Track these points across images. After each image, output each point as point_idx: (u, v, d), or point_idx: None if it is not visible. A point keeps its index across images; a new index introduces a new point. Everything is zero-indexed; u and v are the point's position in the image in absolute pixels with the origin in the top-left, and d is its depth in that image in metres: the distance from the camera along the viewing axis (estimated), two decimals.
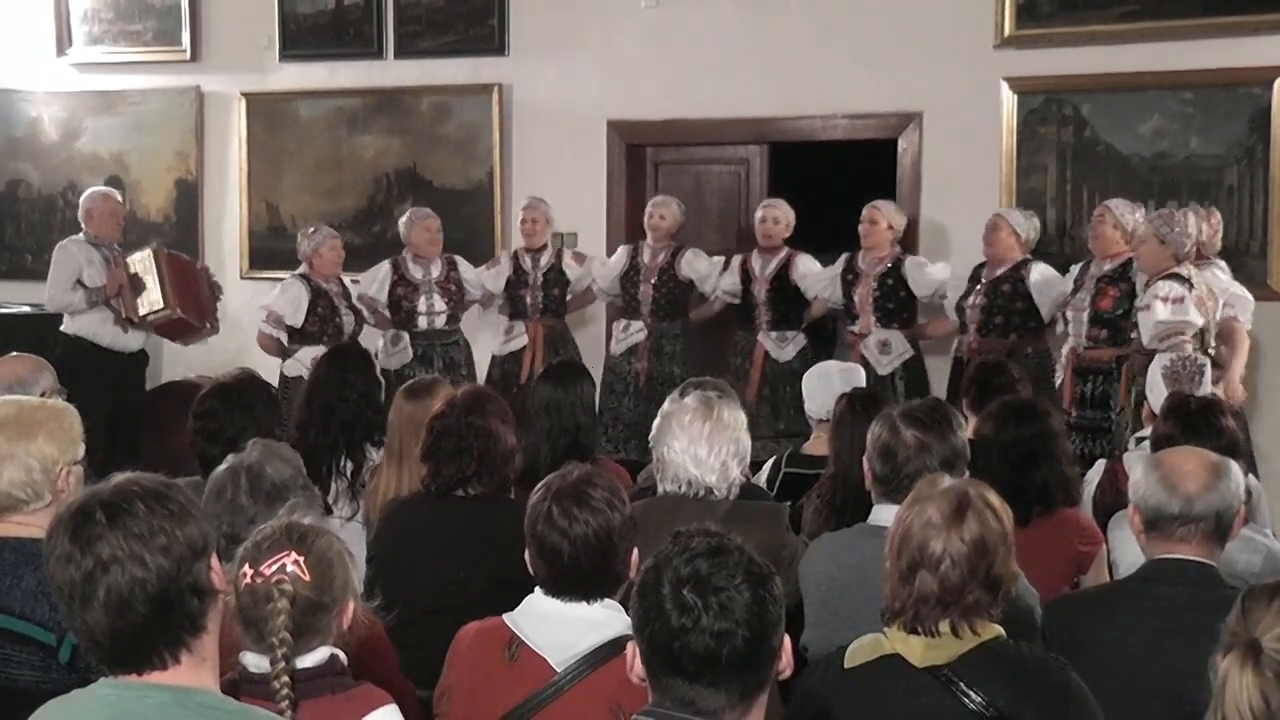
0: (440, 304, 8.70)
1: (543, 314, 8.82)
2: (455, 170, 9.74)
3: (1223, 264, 7.29)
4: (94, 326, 8.60)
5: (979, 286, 7.83)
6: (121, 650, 2.39)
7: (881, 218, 8.18)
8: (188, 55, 10.38)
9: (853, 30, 8.67)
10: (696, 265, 8.69)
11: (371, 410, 5.54)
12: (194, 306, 8.73)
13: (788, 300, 8.50)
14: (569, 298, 8.96)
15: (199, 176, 10.49)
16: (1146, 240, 6.90)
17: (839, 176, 9.78)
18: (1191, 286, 6.67)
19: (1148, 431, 5.39)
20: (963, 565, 2.98)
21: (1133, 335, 6.96)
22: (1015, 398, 5.28)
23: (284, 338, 8.41)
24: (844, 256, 8.37)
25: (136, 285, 8.52)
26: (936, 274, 8.14)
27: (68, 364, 7.48)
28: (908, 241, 8.63)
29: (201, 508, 2.55)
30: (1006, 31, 8.25)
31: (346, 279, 8.75)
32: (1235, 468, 3.62)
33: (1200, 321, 6.65)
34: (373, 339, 8.64)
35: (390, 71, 9.85)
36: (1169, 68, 7.95)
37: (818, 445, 5.50)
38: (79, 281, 8.58)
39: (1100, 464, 5.46)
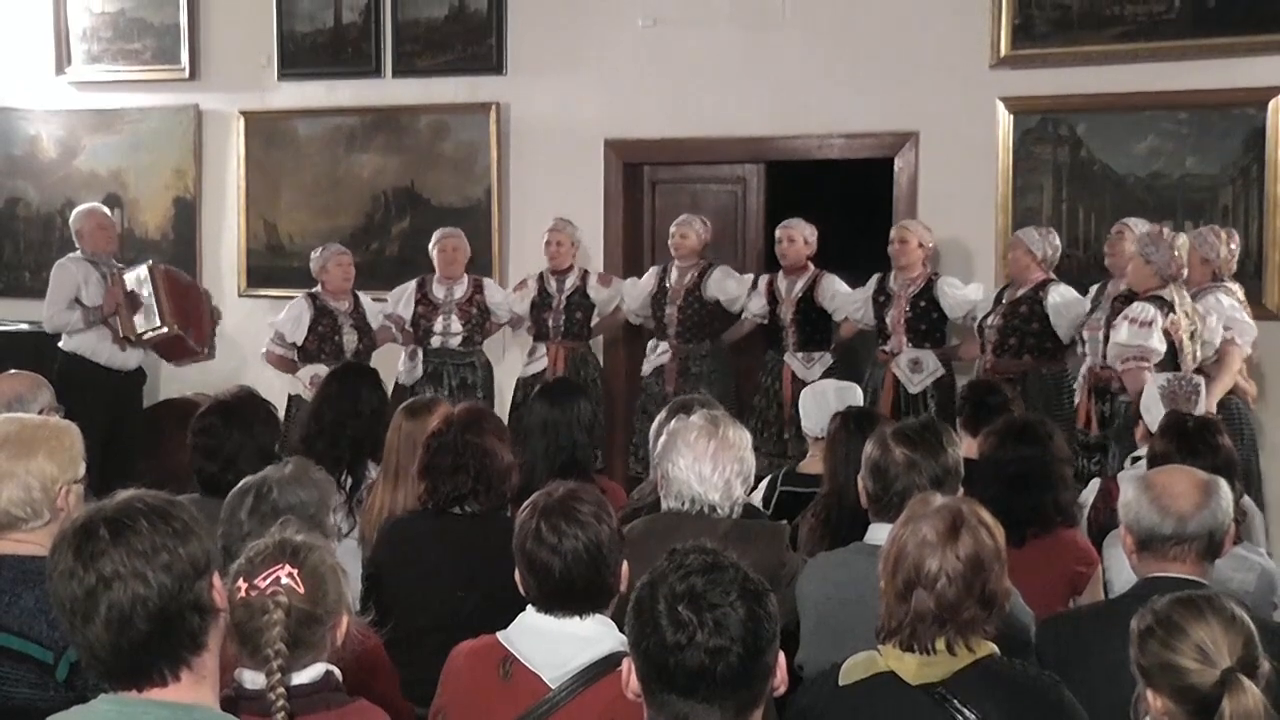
0: (456, 324, 8.72)
1: (564, 336, 8.81)
2: (453, 188, 9.75)
3: (1236, 286, 7.26)
4: (92, 344, 8.61)
5: (999, 307, 7.84)
6: (122, 666, 2.40)
7: (911, 236, 8.14)
8: (186, 74, 10.40)
9: (849, 50, 8.69)
10: (726, 286, 8.67)
11: (382, 427, 5.56)
12: (193, 324, 8.74)
13: (814, 321, 8.48)
14: (594, 320, 8.96)
15: (197, 195, 10.51)
16: (1134, 259, 6.94)
17: (835, 196, 9.81)
18: (1171, 310, 6.68)
19: (1143, 451, 5.41)
20: (958, 582, 3.00)
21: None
22: (1021, 417, 5.28)
23: (293, 355, 8.48)
24: (875, 277, 8.34)
25: (133, 303, 8.52)
26: (970, 294, 8.08)
27: (66, 381, 7.50)
28: None
29: (205, 525, 2.56)
30: (1002, 51, 8.27)
31: (367, 298, 8.79)
32: (1225, 486, 3.64)
33: (1161, 349, 6.59)
34: (386, 357, 8.69)
35: (388, 90, 9.87)
36: (1164, 88, 7.96)
37: (813, 463, 5.51)
38: (77, 300, 8.59)
39: (1095, 483, 5.47)
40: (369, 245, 9.30)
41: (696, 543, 2.56)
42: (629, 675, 2.52)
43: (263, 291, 10.09)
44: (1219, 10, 7.81)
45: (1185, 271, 6.86)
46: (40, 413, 4.66)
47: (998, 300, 7.91)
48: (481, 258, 9.12)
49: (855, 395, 5.92)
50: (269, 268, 10.21)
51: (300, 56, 10.06)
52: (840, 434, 4.84)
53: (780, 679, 2.51)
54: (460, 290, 8.78)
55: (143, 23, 10.52)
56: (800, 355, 8.48)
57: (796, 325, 8.48)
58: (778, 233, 8.56)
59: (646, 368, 8.80)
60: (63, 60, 10.79)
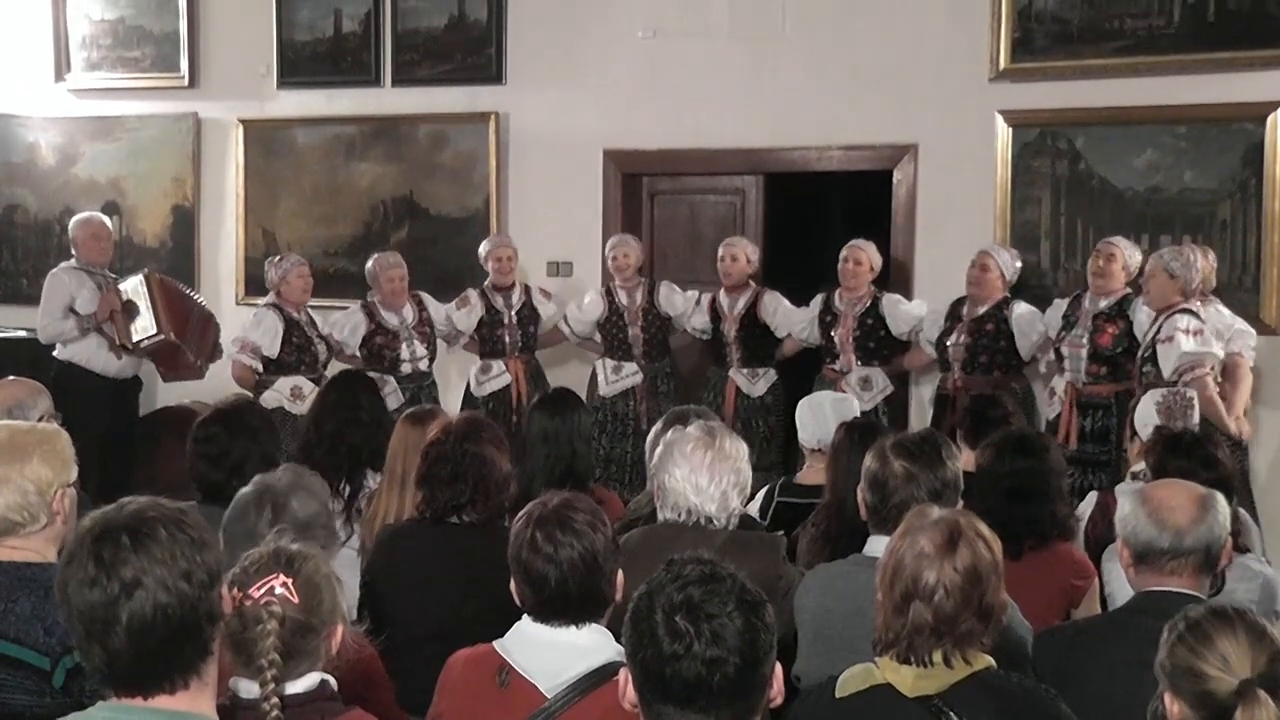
0: (421, 349, 8.65)
1: (521, 350, 8.84)
2: (451, 198, 9.76)
3: (1218, 302, 7.31)
4: (87, 352, 8.59)
5: (961, 324, 7.89)
6: (138, 674, 2.40)
7: (865, 258, 8.22)
8: (186, 82, 10.41)
9: (848, 62, 8.70)
10: (674, 301, 8.76)
11: (381, 436, 5.56)
12: (191, 336, 8.70)
13: (757, 337, 8.55)
14: (539, 334, 8.97)
15: (196, 202, 10.52)
16: (1156, 275, 6.97)
17: (834, 208, 9.82)
18: (1203, 321, 6.76)
19: (1139, 466, 5.41)
20: (956, 595, 3.00)
21: (1144, 370, 6.95)
22: (1018, 430, 5.28)
23: (259, 367, 8.30)
24: (820, 297, 8.43)
25: (129, 311, 8.51)
26: (913, 310, 8.21)
27: (61, 389, 7.48)
28: (901, 275, 8.66)
29: (214, 533, 2.56)
30: (1001, 65, 8.28)
31: (311, 306, 8.66)
32: (1222, 500, 3.65)
33: (1222, 354, 6.73)
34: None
35: (388, 99, 9.88)
36: (1163, 102, 7.97)
37: (810, 475, 5.51)
38: (71, 309, 8.57)
39: (1092, 496, 5.47)
40: (367, 254, 9.26)
41: (694, 553, 2.56)
42: (626, 686, 2.52)
43: (261, 300, 10.05)
44: (1218, 25, 7.82)
45: (1200, 287, 7.00)
46: (40, 419, 4.67)
47: (952, 316, 7.97)
48: (479, 268, 9.10)
49: (853, 408, 5.92)
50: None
51: (300, 65, 10.08)
52: (843, 445, 4.85)
53: (777, 690, 2.52)
54: (410, 314, 8.70)
55: (142, 30, 10.54)
56: (745, 371, 8.54)
57: (740, 341, 8.54)
58: (720, 250, 8.59)
59: (610, 390, 8.76)
60: (62, 67, 10.81)
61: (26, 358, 8.84)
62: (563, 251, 9.32)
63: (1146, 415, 5.63)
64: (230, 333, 8.84)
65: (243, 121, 10.28)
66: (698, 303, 8.75)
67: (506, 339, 8.80)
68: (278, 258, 8.68)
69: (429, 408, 5.79)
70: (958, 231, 8.32)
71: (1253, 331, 7.24)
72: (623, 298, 8.76)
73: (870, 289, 8.26)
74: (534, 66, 9.48)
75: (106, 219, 9.22)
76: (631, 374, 8.72)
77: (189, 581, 2.40)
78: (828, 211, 10.60)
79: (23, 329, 9.91)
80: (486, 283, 8.89)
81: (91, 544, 2.40)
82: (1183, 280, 6.88)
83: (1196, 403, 5.76)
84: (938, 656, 3.00)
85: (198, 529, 2.47)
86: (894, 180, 8.73)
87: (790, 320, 8.48)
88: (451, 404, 8.87)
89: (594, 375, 8.91)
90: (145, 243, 10.59)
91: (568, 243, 9.27)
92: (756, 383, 8.50)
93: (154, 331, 8.49)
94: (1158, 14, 7.94)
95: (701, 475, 4.10)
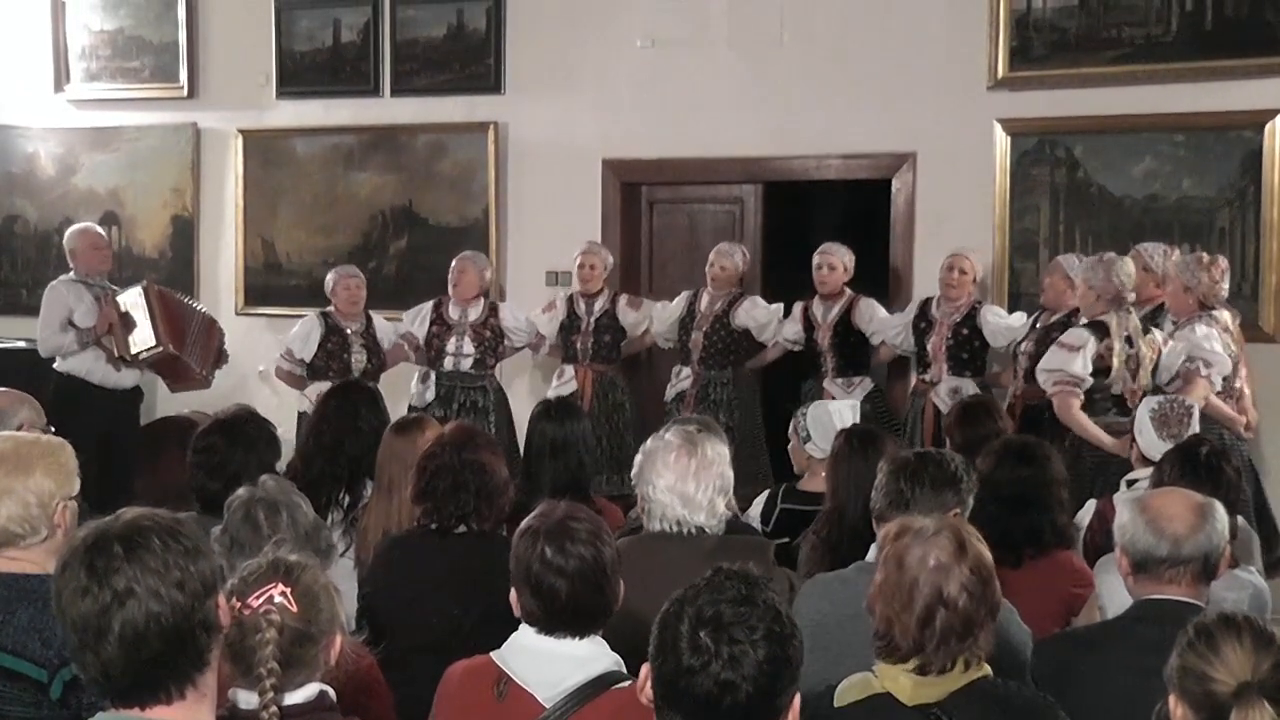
0: (469, 347, 8.64)
1: (593, 359, 8.79)
2: (450, 208, 9.76)
3: (1223, 313, 7.13)
4: (87, 364, 8.55)
5: (1033, 333, 7.73)
6: (131, 684, 2.39)
7: (970, 268, 8.03)
8: (185, 92, 10.41)
9: (847, 71, 8.71)
10: (755, 314, 8.57)
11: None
12: (193, 347, 8.69)
13: (851, 346, 8.41)
14: (623, 342, 8.92)
15: (195, 213, 10.52)
16: (1080, 284, 7.00)
17: (832, 217, 9.82)
18: (1106, 336, 6.76)
19: (1137, 474, 5.41)
20: (976, 594, 3.00)
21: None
22: (1019, 438, 5.27)
23: (296, 370, 8.53)
24: (917, 302, 8.29)
25: (128, 323, 8.49)
26: (1012, 322, 7.97)
27: (61, 400, 7.52)
28: (899, 284, 8.66)
29: (209, 544, 2.56)
30: (1000, 73, 8.29)
31: (379, 317, 8.78)
32: (1220, 508, 3.65)
33: (1082, 373, 6.71)
34: (399, 379, 8.76)
35: (387, 109, 9.89)
36: (1161, 110, 7.99)
37: (813, 481, 5.51)
38: (70, 322, 8.55)
39: (1091, 504, 5.47)
40: (367, 264, 9.29)
41: (742, 568, 2.54)
42: (645, 682, 2.51)
43: (260, 310, 10.11)
44: (1216, 33, 7.84)
45: (1130, 295, 6.92)
46: (19, 428, 4.66)
47: (1032, 326, 7.81)
48: None
49: (856, 414, 5.91)
50: (267, 286, 10.22)
51: (299, 75, 10.09)
52: (843, 451, 4.84)
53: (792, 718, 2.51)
54: (475, 312, 8.71)
55: (141, 41, 10.54)
56: (839, 380, 8.37)
57: (834, 350, 8.39)
58: (817, 258, 8.42)
59: (670, 393, 8.72)
60: (61, 78, 10.81)
61: (26, 368, 8.81)
62: (562, 261, 9.31)
63: (1142, 423, 5.63)
64: (229, 340, 8.88)
65: (242, 131, 10.28)
66: (788, 312, 8.57)
67: (579, 345, 8.79)
68: (337, 266, 8.91)
69: (416, 416, 5.80)
70: (957, 240, 8.30)
71: (1226, 357, 6.87)
72: (704, 303, 8.66)
73: (970, 298, 8.05)
74: (533, 76, 9.49)
75: (102, 230, 9.22)
76: (684, 379, 8.64)
77: (182, 590, 2.39)
78: (826, 221, 10.60)
79: (22, 340, 9.90)
80: (572, 289, 8.91)
81: (84, 553, 2.40)
82: (1098, 290, 6.84)
83: (1195, 411, 5.75)
84: (959, 663, 3.00)
85: (192, 538, 2.46)
86: (893, 189, 8.74)
87: (886, 326, 8.32)
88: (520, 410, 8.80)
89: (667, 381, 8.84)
90: (144, 253, 10.59)
91: (567, 252, 9.25)
92: (852, 391, 8.22)
93: (153, 344, 8.48)
94: (1155, 22, 7.96)
95: (687, 484, 4.06)
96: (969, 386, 7.91)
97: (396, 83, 9.84)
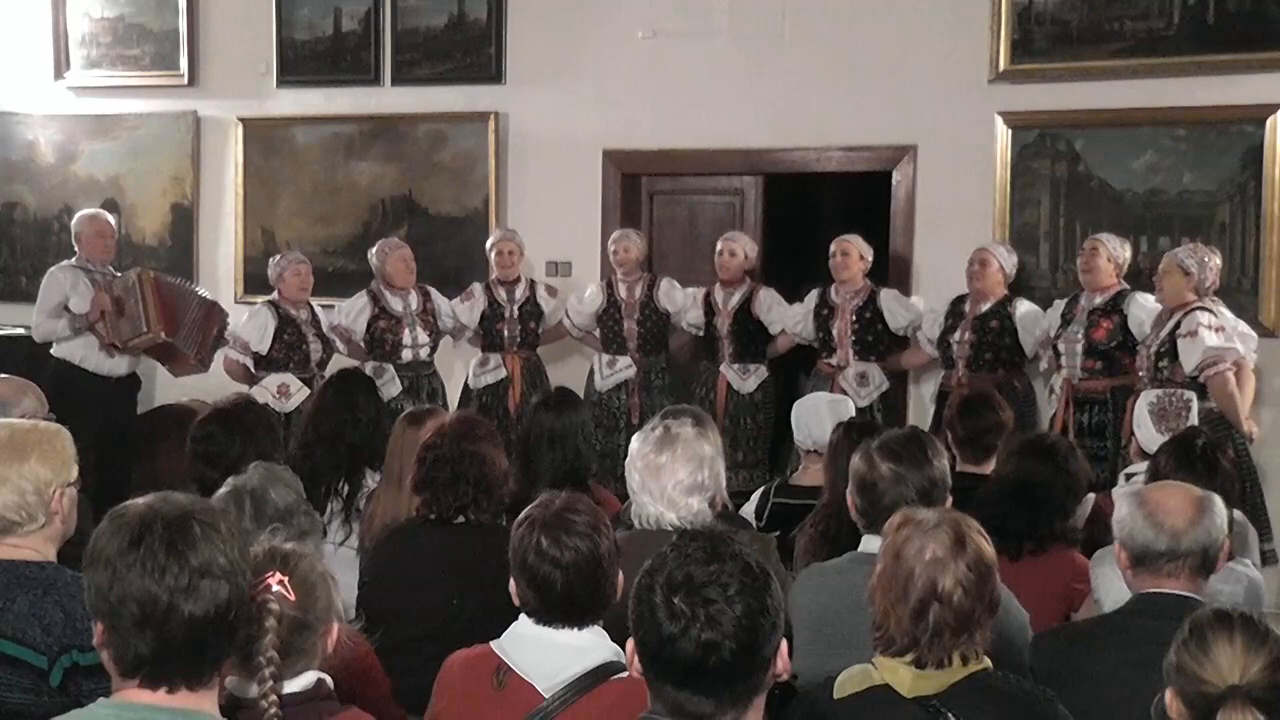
0: (423, 336, 8.63)
1: (519, 347, 8.81)
2: (451, 198, 9.75)
3: (1222, 304, 7.28)
4: (80, 351, 8.56)
5: (964, 322, 7.90)
6: (177, 666, 2.40)
7: (853, 249, 8.22)
8: (185, 80, 10.39)
9: (848, 63, 8.70)
10: (674, 296, 8.70)
11: (380, 436, 5.56)
12: (189, 333, 8.66)
13: (750, 333, 8.54)
14: (541, 331, 8.94)
15: (195, 201, 10.50)
16: (1170, 272, 7.01)
17: (833, 209, 9.81)
18: (1221, 319, 6.84)
19: (1135, 467, 5.41)
20: (973, 591, 3.00)
21: (1160, 365, 6.95)
22: (1042, 435, 5.26)
23: (250, 364, 8.37)
24: (816, 291, 8.42)
25: (120, 309, 8.48)
26: (913, 306, 8.24)
27: (57, 387, 7.50)
28: (900, 274, 8.66)
29: None
30: (1001, 66, 8.28)
31: (317, 305, 8.69)
32: (1219, 502, 3.65)
33: (1243, 350, 6.75)
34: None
35: (387, 98, 9.87)
36: (1163, 104, 7.98)
37: (806, 476, 5.52)
38: (65, 308, 8.55)
39: (1090, 498, 5.47)
40: (366, 254, 9.26)
41: (705, 527, 2.54)
42: (633, 656, 2.51)
43: (260, 298, 10.05)
44: (1218, 27, 7.83)
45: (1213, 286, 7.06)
46: (23, 417, 4.65)
47: (954, 314, 7.99)
48: (479, 267, 9.11)
49: (848, 408, 5.92)
50: (266, 275, 10.17)
51: (299, 64, 10.07)
52: (842, 445, 4.83)
53: (782, 667, 2.49)
54: (414, 301, 8.70)
55: (142, 28, 10.52)
56: (736, 366, 8.52)
57: (733, 336, 8.52)
58: (720, 244, 8.58)
59: (605, 383, 8.73)
60: (61, 65, 10.78)
61: (25, 355, 8.83)
62: (562, 251, 9.32)
63: (1142, 417, 5.63)
64: (232, 329, 8.86)
65: (242, 120, 10.26)
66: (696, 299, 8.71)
67: (505, 333, 8.78)
68: (279, 255, 8.75)
69: (428, 407, 5.79)
70: (957, 233, 8.32)
71: (1254, 335, 7.23)
72: (622, 291, 8.74)
73: (867, 283, 8.27)
74: (534, 66, 9.48)
75: (111, 217, 9.21)
76: (625, 368, 8.70)
77: (243, 576, 2.46)
78: (827, 213, 10.60)
79: (21, 327, 9.88)
80: (491, 277, 8.90)
81: (163, 530, 2.40)
82: (1197, 278, 6.94)
83: (1194, 403, 5.76)
84: (956, 657, 3.00)
85: (238, 524, 2.49)
86: (893, 181, 8.73)
87: (785, 316, 8.48)
88: (452, 396, 8.91)
89: (592, 371, 8.89)
90: (144, 241, 10.57)
91: (567, 242, 9.27)
92: (747, 379, 8.49)
93: (144, 330, 8.43)
94: (1157, 16, 7.96)
95: (652, 482, 4.03)
96: (875, 371, 8.23)
97: (397, 72, 9.82)
